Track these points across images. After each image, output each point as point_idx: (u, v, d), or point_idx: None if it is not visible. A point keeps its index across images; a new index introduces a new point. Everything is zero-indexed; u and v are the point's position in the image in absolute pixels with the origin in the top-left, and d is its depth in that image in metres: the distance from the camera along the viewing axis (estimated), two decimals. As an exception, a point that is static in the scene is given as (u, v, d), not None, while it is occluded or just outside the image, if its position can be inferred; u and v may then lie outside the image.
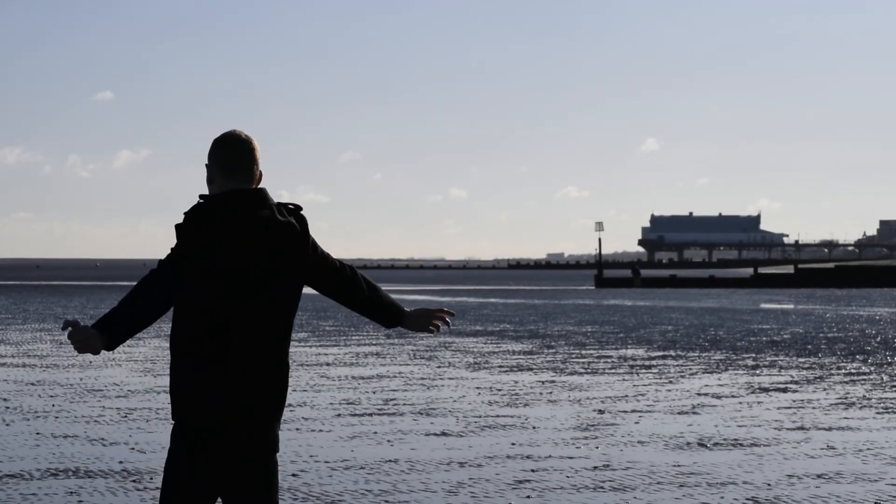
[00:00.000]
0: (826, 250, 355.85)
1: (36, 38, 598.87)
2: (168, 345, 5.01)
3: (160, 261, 4.97)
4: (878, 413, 14.94)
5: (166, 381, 18.15)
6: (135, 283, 5.10)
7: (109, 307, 46.26)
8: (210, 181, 5.02)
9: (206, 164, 5.03)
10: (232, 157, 4.98)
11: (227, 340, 4.83)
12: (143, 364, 21.07)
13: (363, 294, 5.15)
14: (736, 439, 12.61)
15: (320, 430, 13.09)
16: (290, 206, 5.01)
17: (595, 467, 10.89)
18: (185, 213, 4.95)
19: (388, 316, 5.22)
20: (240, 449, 4.84)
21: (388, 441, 12.37)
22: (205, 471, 4.85)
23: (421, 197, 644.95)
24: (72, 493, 9.58)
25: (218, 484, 4.88)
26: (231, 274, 4.85)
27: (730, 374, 19.94)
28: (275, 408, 4.91)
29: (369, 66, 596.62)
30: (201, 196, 4.98)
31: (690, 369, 20.89)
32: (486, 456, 11.46)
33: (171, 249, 4.95)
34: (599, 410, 14.98)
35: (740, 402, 15.92)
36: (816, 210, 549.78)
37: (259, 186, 5.01)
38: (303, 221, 5.00)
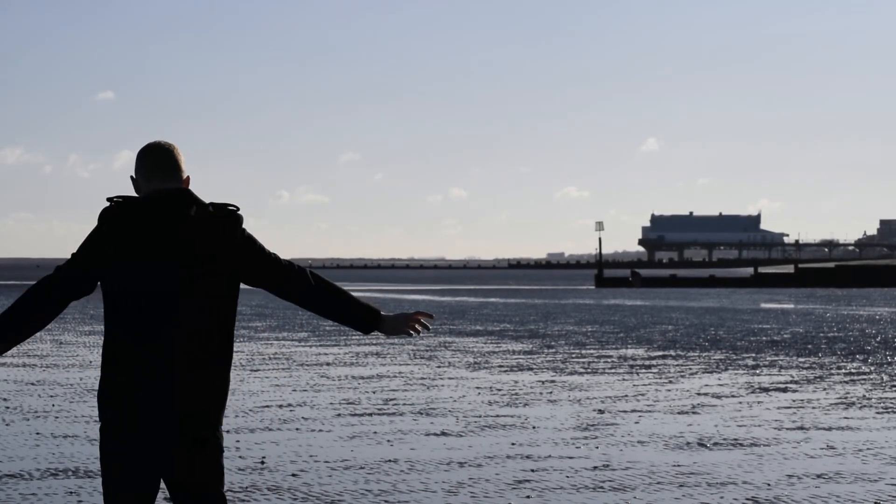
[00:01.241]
0: (826, 250, 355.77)
1: (36, 38, 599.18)
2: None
3: (58, 266, 4.94)
4: (878, 413, 14.94)
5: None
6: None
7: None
8: (137, 190, 5.04)
9: (132, 177, 5.05)
10: (154, 161, 5.00)
11: (169, 337, 4.82)
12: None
13: (311, 288, 5.06)
14: (736, 439, 12.61)
15: (320, 430, 13.09)
16: (229, 207, 5.00)
17: (595, 467, 10.88)
18: (101, 215, 4.92)
19: (361, 320, 5.13)
20: (189, 445, 4.86)
21: (388, 441, 12.37)
22: (167, 466, 4.88)
23: (421, 197, 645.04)
24: (72, 493, 9.58)
25: (164, 477, 4.92)
26: (162, 272, 4.84)
27: (730, 374, 19.94)
28: (219, 407, 4.93)
29: (369, 66, 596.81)
30: (116, 197, 4.93)
31: (690, 369, 20.89)
32: (486, 456, 11.46)
33: (80, 251, 4.91)
34: (599, 410, 14.98)
35: (740, 402, 15.92)
36: (816, 210, 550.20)
37: (187, 188, 5.02)
38: (235, 218, 4.98)
